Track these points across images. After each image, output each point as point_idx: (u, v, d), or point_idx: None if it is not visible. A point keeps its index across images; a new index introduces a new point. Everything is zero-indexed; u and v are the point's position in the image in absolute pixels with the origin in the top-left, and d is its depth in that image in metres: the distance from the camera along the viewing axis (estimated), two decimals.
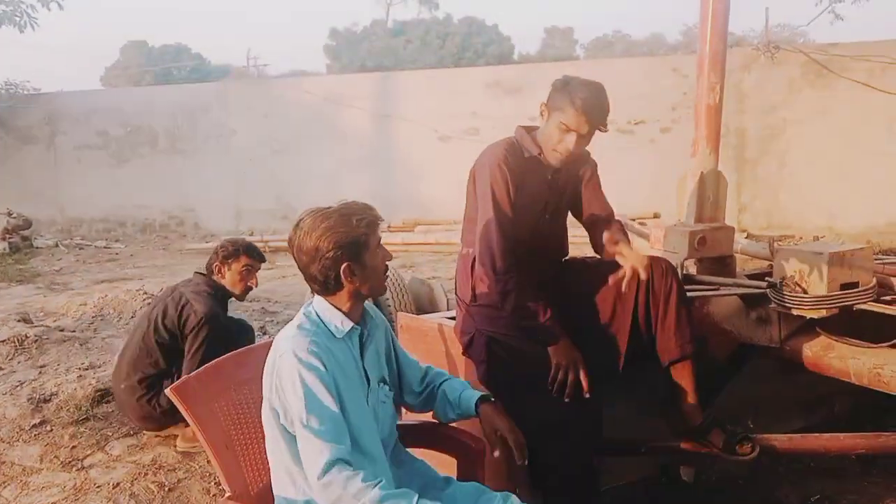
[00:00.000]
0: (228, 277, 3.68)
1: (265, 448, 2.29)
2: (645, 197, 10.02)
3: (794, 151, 10.21)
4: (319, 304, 1.96)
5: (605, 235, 2.53)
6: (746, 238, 9.67)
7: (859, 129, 9.87)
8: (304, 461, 1.79)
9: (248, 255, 3.69)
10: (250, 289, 3.75)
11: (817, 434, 2.58)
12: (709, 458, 2.63)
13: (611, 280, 2.55)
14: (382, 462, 1.92)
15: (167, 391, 2.14)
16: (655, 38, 40.64)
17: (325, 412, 1.79)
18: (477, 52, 34.64)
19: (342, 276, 1.88)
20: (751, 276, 3.51)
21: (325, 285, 1.91)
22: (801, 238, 9.52)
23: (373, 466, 1.83)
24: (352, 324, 1.95)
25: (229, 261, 3.67)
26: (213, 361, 2.32)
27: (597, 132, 2.59)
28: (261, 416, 2.24)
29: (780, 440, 2.56)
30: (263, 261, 3.81)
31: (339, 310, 1.93)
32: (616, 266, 2.60)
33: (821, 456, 2.64)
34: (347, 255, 1.88)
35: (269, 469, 2.14)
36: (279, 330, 6.22)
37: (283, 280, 8.46)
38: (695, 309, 3.30)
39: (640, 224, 10.33)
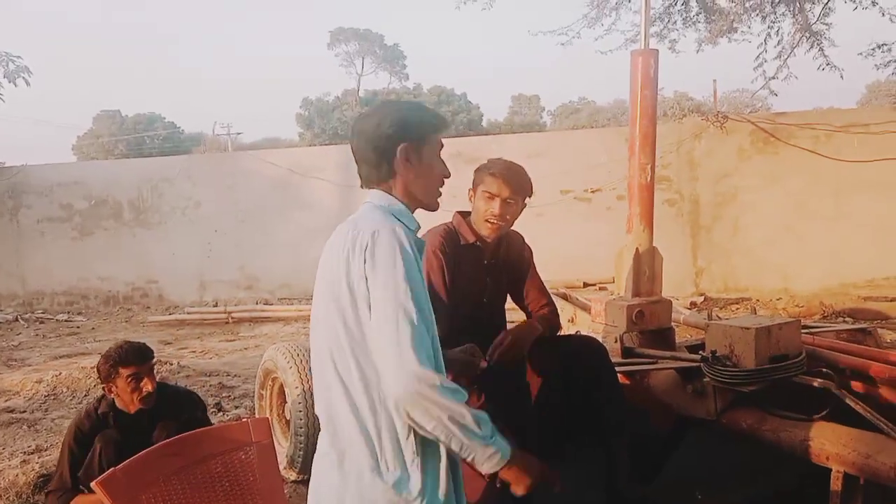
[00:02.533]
0: (122, 397, 3.21)
1: None
2: (603, 262, 10.18)
3: (746, 217, 10.49)
4: (380, 197, 1.76)
5: None
6: (703, 301, 9.86)
7: (808, 195, 10.20)
8: (391, 347, 1.53)
9: (125, 364, 3.15)
10: (148, 395, 3.19)
11: None
12: None
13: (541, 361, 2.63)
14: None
15: (92, 485, 2.14)
16: (619, 104, 41.89)
17: (424, 303, 1.60)
18: None
19: (398, 157, 1.73)
20: (691, 348, 3.60)
21: (378, 167, 1.74)
22: (757, 301, 9.72)
23: None
24: (416, 223, 1.78)
25: (110, 382, 3.19)
26: (143, 452, 2.33)
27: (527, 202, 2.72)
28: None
29: None
30: (148, 359, 3.25)
31: (402, 203, 1.76)
32: (544, 342, 2.69)
33: None
34: (407, 136, 1.73)
35: None
36: (235, 407, 5.97)
37: (244, 353, 8.38)
38: (634, 382, 3.38)
39: (601, 288, 10.52)
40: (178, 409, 3.26)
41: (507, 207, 2.66)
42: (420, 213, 1.83)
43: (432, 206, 1.83)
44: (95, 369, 3.32)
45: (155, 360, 3.34)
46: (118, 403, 3.27)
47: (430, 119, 1.79)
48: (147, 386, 3.19)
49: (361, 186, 1.80)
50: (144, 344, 3.33)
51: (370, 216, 1.69)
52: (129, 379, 3.16)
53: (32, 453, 4.48)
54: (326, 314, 1.65)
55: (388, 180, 1.75)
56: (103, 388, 3.26)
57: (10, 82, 12.54)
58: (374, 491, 1.59)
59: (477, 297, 2.77)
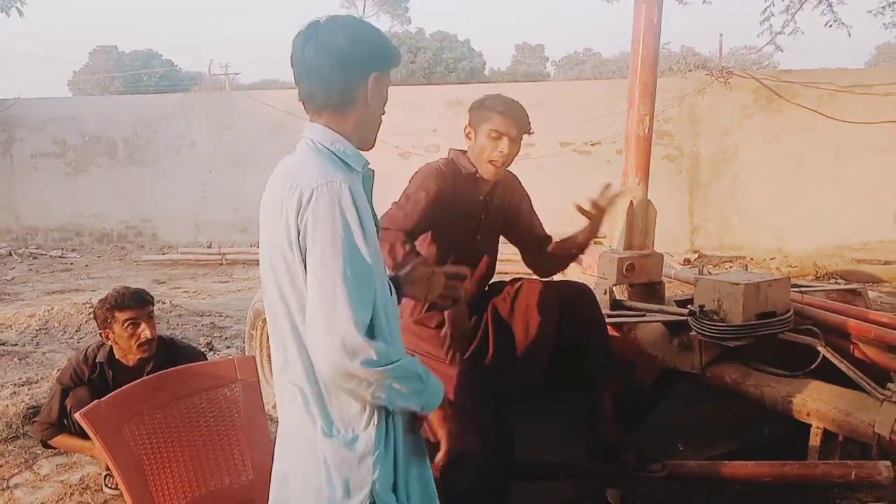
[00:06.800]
0: (119, 344, 3.10)
1: (177, 470, 2.31)
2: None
3: (745, 175, 10.43)
4: (322, 135, 1.59)
5: (553, 245, 2.84)
6: (697, 257, 9.88)
7: (808, 155, 10.13)
8: (320, 317, 1.44)
9: (121, 308, 3.02)
10: (147, 342, 3.08)
11: (725, 461, 2.65)
12: (624, 477, 2.69)
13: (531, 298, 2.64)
14: (395, 344, 1.58)
15: (77, 416, 2.15)
16: (625, 57, 41.19)
17: (364, 268, 1.46)
18: (448, 67, 34.83)
19: (368, 86, 1.57)
20: (680, 303, 3.60)
21: (338, 93, 1.57)
22: (751, 259, 9.74)
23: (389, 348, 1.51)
24: (364, 159, 1.61)
25: (107, 327, 3.08)
26: (127, 385, 2.34)
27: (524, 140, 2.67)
28: (174, 439, 2.26)
29: (691, 466, 2.64)
30: (147, 304, 3.12)
31: (345, 138, 1.60)
32: (537, 288, 2.69)
33: (729, 482, 2.70)
34: (380, 65, 1.57)
35: (178, 490, 2.16)
36: (227, 346, 6.02)
37: (237, 294, 8.41)
38: (622, 333, 3.40)
39: (596, 242, 10.49)
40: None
41: (513, 147, 2.61)
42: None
43: (370, 145, 1.67)
44: (92, 314, 3.24)
45: (154, 306, 3.21)
46: (116, 353, 3.16)
47: (395, 51, 1.62)
48: (145, 332, 3.05)
49: (307, 112, 1.64)
50: (143, 289, 3.21)
51: (309, 166, 1.52)
52: (127, 324, 3.03)
53: (23, 385, 4.52)
54: (272, 277, 1.54)
55: (345, 109, 1.58)
56: (101, 335, 3.16)
57: (2, 12, 12.30)
58: (325, 449, 1.53)
59: (471, 232, 2.73)
